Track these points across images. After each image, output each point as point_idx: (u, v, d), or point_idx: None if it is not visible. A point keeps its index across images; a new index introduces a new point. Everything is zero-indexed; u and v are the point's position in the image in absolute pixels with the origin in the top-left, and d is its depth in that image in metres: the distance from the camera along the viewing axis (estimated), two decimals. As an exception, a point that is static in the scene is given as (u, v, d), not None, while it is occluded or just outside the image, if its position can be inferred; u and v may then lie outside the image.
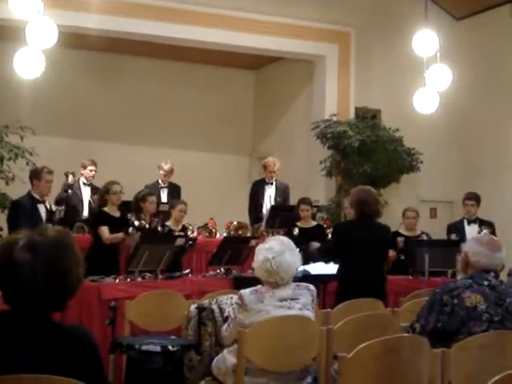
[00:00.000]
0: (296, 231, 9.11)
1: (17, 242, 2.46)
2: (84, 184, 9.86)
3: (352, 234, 6.66)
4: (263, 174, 10.83)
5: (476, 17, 12.59)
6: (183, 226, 8.72)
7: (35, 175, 7.88)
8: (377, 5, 12.33)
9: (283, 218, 9.65)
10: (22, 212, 7.69)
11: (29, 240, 2.46)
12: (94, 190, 9.74)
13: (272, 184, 10.58)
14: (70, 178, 9.56)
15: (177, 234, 8.25)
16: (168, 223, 8.52)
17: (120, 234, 7.71)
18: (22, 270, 2.40)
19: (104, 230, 7.75)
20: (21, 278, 2.40)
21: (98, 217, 8.05)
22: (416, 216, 9.08)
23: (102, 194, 8.03)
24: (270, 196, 10.52)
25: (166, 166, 10.36)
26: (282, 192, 10.57)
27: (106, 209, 7.92)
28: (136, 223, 7.75)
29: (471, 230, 9.00)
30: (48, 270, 2.42)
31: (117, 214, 7.94)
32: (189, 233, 8.79)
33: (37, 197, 7.88)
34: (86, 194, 9.82)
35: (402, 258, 8.58)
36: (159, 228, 8.25)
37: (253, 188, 10.82)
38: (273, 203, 10.39)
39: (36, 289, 2.41)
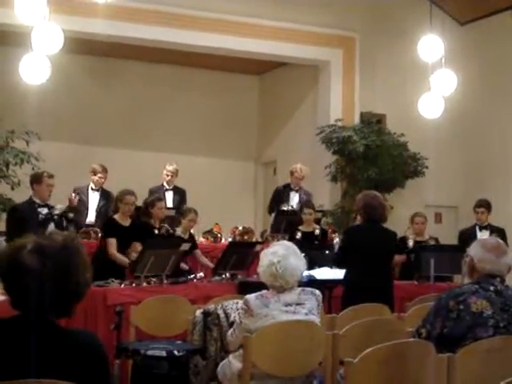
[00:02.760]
0: (299, 235, 9.11)
1: (25, 246, 2.46)
2: (92, 189, 9.83)
3: (359, 239, 6.66)
4: (269, 179, 10.84)
5: (480, 22, 12.58)
6: (190, 234, 8.77)
7: (36, 180, 7.86)
8: (381, 10, 12.33)
9: (289, 222, 9.64)
10: (19, 217, 7.67)
11: (36, 244, 2.47)
12: (105, 194, 9.74)
13: (297, 191, 10.56)
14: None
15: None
16: (178, 229, 8.56)
17: (124, 260, 7.59)
18: (30, 274, 2.40)
19: (111, 243, 7.67)
20: (29, 282, 2.41)
21: (107, 227, 8.02)
22: (424, 221, 9.16)
23: (115, 201, 8.03)
24: (295, 203, 10.46)
25: (171, 167, 10.36)
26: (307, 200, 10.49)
27: (116, 216, 7.90)
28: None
29: (482, 236, 9.00)
30: (56, 274, 2.43)
31: (126, 222, 7.91)
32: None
33: (38, 201, 7.86)
34: (94, 199, 9.78)
35: (412, 259, 8.61)
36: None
37: (276, 193, 10.76)
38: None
39: (44, 293, 2.41)
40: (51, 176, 7.93)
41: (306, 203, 9.68)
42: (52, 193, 8.04)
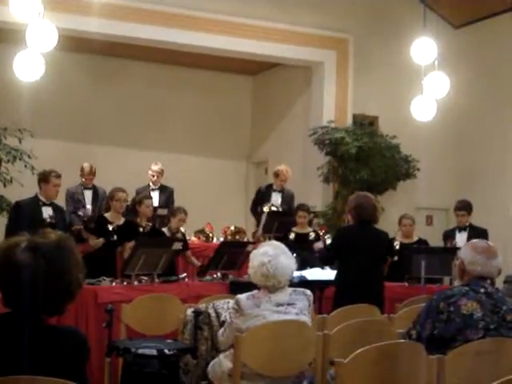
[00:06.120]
0: (292, 236, 9.13)
1: (18, 243, 2.47)
2: (85, 188, 9.84)
3: (350, 240, 6.68)
4: (260, 179, 10.84)
5: (474, 25, 12.63)
6: (182, 234, 8.77)
7: (44, 179, 7.90)
8: (375, 12, 12.36)
9: (280, 223, 9.66)
10: (21, 214, 7.71)
11: (30, 242, 2.48)
12: (96, 192, 9.76)
13: (279, 192, 10.56)
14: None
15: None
16: (164, 229, 8.55)
17: (100, 240, 7.69)
18: (24, 271, 2.41)
19: (90, 238, 7.76)
20: (22, 279, 2.41)
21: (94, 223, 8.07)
22: (412, 223, 9.11)
23: (106, 199, 8.08)
24: (278, 203, 10.48)
25: (156, 167, 10.38)
26: (289, 200, 10.55)
27: (107, 215, 7.91)
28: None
29: (461, 238, 9.01)
30: (49, 272, 2.44)
31: (119, 221, 7.92)
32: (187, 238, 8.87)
33: (43, 199, 7.88)
34: (89, 197, 9.80)
35: (396, 259, 8.59)
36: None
37: (258, 193, 10.78)
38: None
39: (36, 290, 2.42)
40: (59, 176, 7.98)
41: (300, 206, 9.69)
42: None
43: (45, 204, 7.90)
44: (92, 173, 9.75)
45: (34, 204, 7.84)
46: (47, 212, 7.86)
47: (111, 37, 11.03)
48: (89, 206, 9.64)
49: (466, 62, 12.27)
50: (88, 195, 9.75)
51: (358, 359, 3.41)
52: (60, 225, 7.74)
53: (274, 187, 10.56)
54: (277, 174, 10.51)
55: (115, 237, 7.77)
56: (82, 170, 9.75)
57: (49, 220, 7.76)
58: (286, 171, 10.45)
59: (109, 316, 5.04)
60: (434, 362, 3.64)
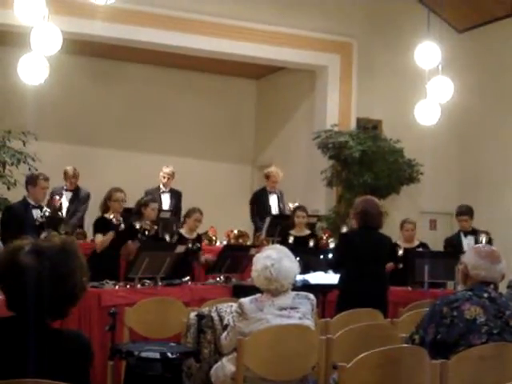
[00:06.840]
0: (291, 240, 9.10)
1: (22, 246, 2.48)
2: (66, 190, 9.83)
3: (353, 244, 6.68)
4: (264, 183, 10.83)
5: (478, 29, 12.63)
6: (198, 235, 8.75)
7: (31, 181, 7.92)
8: (379, 16, 12.37)
9: (283, 226, 9.66)
10: (14, 217, 7.73)
11: (34, 246, 2.48)
12: (77, 194, 9.78)
13: (274, 193, 10.61)
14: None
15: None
16: (182, 231, 8.55)
17: (110, 233, 7.61)
18: (28, 274, 2.42)
19: (97, 237, 7.73)
20: (26, 282, 2.42)
21: (98, 223, 8.04)
22: (414, 228, 9.03)
23: (104, 200, 8.04)
24: (276, 204, 10.55)
25: (168, 169, 10.42)
26: (282, 199, 10.64)
27: (106, 215, 7.91)
28: (137, 225, 7.67)
29: (468, 242, 8.97)
30: (53, 276, 2.44)
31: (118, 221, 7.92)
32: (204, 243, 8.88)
33: (32, 202, 7.90)
34: (68, 198, 9.81)
35: (401, 266, 8.55)
36: (166, 235, 8.25)
37: (255, 198, 10.80)
38: (277, 212, 10.43)
39: (41, 294, 2.42)
40: (47, 179, 7.98)
41: (298, 207, 9.71)
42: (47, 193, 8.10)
43: (34, 206, 7.92)
44: (75, 176, 9.80)
45: (25, 207, 7.86)
46: (37, 214, 7.87)
47: (115, 40, 11.05)
48: (65, 206, 9.64)
49: (470, 66, 12.27)
50: (68, 196, 9.76)
51: (361, 363, 3.41)
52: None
53: (268, 189, 10.62)
54: (268, 176, 10.58)
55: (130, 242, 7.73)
56: (65, 173, 9.77)
57: (40, 220, 7.77)
58: (276, 173, 10.54)
59: (112, 319, 5.04)
60: (437, 367, 3.64)
